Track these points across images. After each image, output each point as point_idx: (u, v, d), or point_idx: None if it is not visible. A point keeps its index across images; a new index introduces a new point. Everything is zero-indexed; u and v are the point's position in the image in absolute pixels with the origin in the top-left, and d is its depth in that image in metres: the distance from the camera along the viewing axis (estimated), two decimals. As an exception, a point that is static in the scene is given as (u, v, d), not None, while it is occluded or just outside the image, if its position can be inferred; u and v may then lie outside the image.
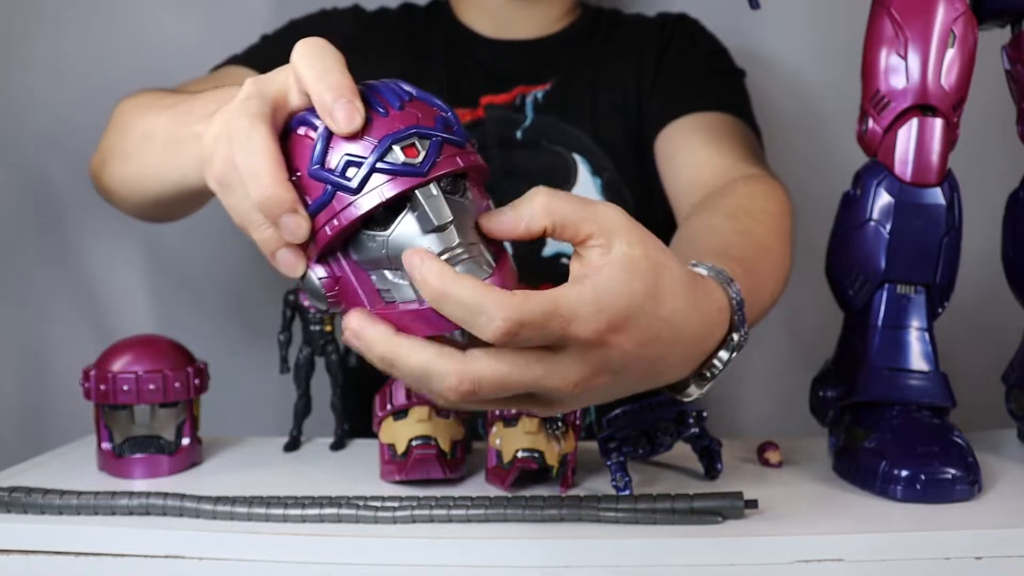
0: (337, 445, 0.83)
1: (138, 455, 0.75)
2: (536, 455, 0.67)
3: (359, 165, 0.47)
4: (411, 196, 0.48)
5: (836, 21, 0.99)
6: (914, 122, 0.73)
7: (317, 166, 0.48)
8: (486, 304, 0.45)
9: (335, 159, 0.48)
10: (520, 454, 0.67)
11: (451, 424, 0.71)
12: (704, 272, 0.57)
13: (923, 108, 0.72)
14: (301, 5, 1.10)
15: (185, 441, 0.77)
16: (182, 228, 1.02)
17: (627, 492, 0.65)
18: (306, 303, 0.82)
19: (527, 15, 1.09)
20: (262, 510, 0.63)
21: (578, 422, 0.70)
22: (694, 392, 0.57)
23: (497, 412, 0.70)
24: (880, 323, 0.74)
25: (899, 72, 0.72)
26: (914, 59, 0.72)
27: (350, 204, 0.48)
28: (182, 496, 0.65)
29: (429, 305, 0.47)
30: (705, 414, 0.70)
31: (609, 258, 0.48)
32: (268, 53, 1.03)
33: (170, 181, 0.68)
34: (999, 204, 0.80)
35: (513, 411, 0.68)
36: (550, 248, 1.02)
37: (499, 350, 0.47)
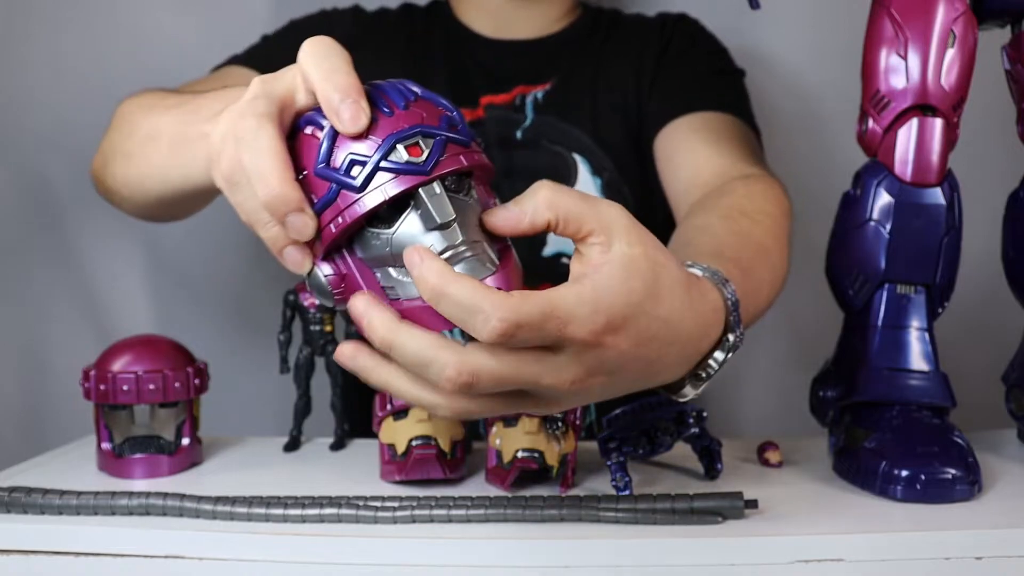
0: (337, 445, 0.83)
1: (138, 455, 0.75)
2: (536, 455, 0.67)
3: (363, 164, 0.48)
4: (415, 194, 0.48)
5: (836, 21, 0.99)
6: (914, 122, 0.73)
7: (323, 165, 0.49)
8: (483, 305, 0.45)
9: (340, 158, 0.49)
10: (520, 454, 0.67)
11: (451, 424, 0.71)
12: (699, 273, 0.57)
13: (923, 108, 0.72)
14: (301, 5, 1.10)
15: (185, 441, 0.77)
16: (182, 228, 1.02)
17: (627, 492, 0.65)
18: (306, 303, 0.82)
19: (527, 15, 1.09)
20: (262, 510, 0.63)
21: (578, 422, 0.70)
22: (689, 392, 0.57)
23: (497, 413, 0.70)
24: (880, 323, 0.74)
25: (899, 72, 0.72)
26: (914, 59, 0.72)
27: (354, 202, 0.48)
28: (182, 496, 0.65)
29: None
30: (705, 414, 0.70)
31: (608, 256, 0.49)
32: (268, 53, 1.03)
33: (174, 180, 0.69)
34: (999, 204, 0.80)
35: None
36: (550, 248, 1.02)
37: (499, 347, 0.47)
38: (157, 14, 1.23)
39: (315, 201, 0.49)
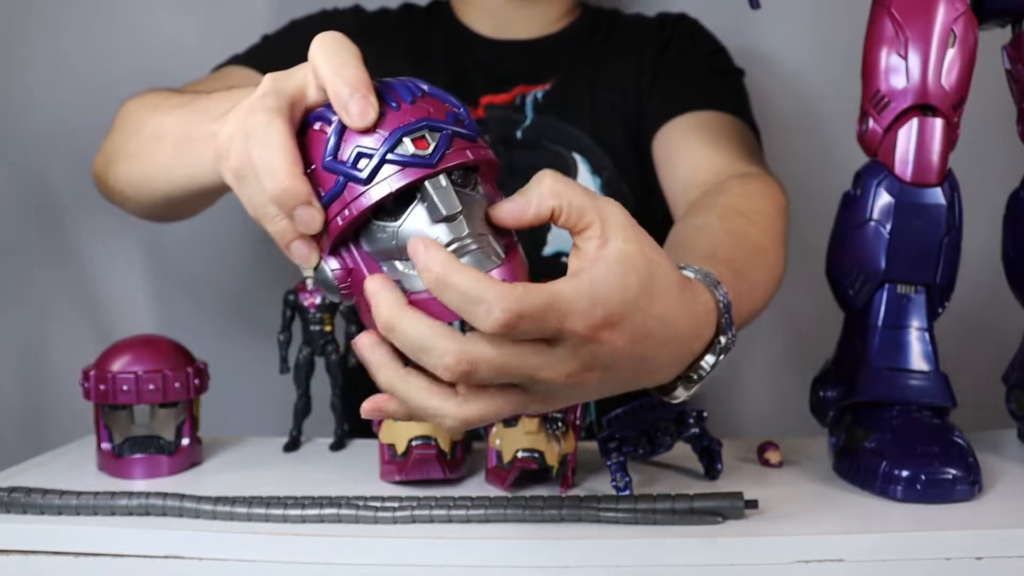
0: (337, 445, 0.83)
1: (138, 455, 0.75)
2: (536, 455, 0.67)
3: (370, 156, 0.49)
4: (421, 187, 0.49)
5: (836, 21, 0.99)
6: (914, 122, 0.73)
7: (330, 158, 0.49)
8: (487, 295, 0.45)
9: (348, 151, 0.49)
10: (520, 454, 0.67)
11: (451, 424, 0.71)
12: (691, 275, 0.57)
13: (923, 108, 0.72)
14: (302, 5, 1.10)
15: (185, 441, 0.77)
16: (182, 228, 1.02)
17: (627, 492, 0.65)
18: (306, 303, 0.82)
19: (527, 15, 1.09)
20: (262, 510, 0.63)
21: (578, 422, 0.70)
22: (681, 394, 0.58)
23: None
24: (880, 323, 0.74)
25: (899, 72, 0.72)
26: (914, 59, 0.72)
27: (361, 194, 0.49)
28: (182, 496, 0.64)
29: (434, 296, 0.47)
30: (705, 414, 0.70)
31: (605, 252, 0.49)
32: (269, 53, 1.03)
33: (179, 179, 0.69)
34: (999, 204, 0.80)
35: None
36: (550, 247, 1.02)
37: (499, 337, 0.47)
38: (157, 14, 1.23)
39: (322, 195, 0.50)
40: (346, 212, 0.49)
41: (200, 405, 0.79)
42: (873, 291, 0.74)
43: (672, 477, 0.73)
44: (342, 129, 0.49)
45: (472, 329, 0.47)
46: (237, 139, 0.51)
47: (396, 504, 0.64)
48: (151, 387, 0.74)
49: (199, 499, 0.64)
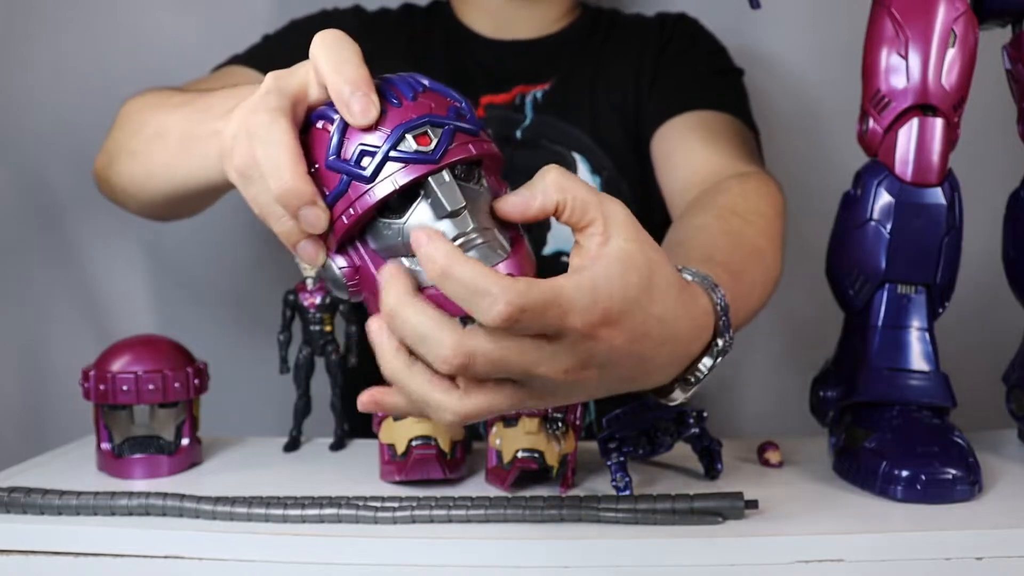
0: (337, 445, 0.83)
1: (138, 455, 0.75)
2: (536, 455, 0.67)
3: (373, 154, 0.49)
4: (424, 183, 0.49)
5: (836, 21, 0.99)
6: (915, 122, 0.72)
7: (333, 157, 0.49)
8: (492, 288, 0.45)
9: (351, 150, 0.49)
10: (520, 454, 0.67)
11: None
12: (689, 278, 0.57)
13: (924, 108, 0.72)
14: (302, 5, 1.10)
15: (185, 441, 0.77)
16: (182, 228, 1.02)
17: (627, 492, 0.65)
18: (306, 303, 0.82)
19: (527, 15, 1.09)
20: (262, 510, 0.63)
21: (578, 422, 0.70)
22: (679, 397, 0.58)
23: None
24: (880, 323, 0.74)
25: (900, 72, 0.72)
26: (915, 59, 0.72)
27: (365, 193, 0.49)
28: (182, 496, 0.64)
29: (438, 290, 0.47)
30: (705, 414, 0.70)
31: (606, 250, 0.49)
32: (270, 53, 1.03)
33: (182, 178, 0.69)
34: (1000, 204, 0.80)
35: (513, 411, 0.68)
36: (550, 247, 1.02)
37: (498, 331, 0.47)
38: (157, 14, 1.23)
39: (327, 194, 0.50)
40: (351, 211, 0.49)
41: (200, 405, 0.79)
42: (873, 291, 0.74)
43: (672, 477, 0.73)
44: (344, 127, 0.50)
45: (473, 323, 0.47)
46: (241, 138, 0.51)
47: (396, 504, 0.63)
48: (151, 387, 0.74)
49: (199, 499, 0.64)
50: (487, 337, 0.47)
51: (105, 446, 0.75)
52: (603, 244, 0.49)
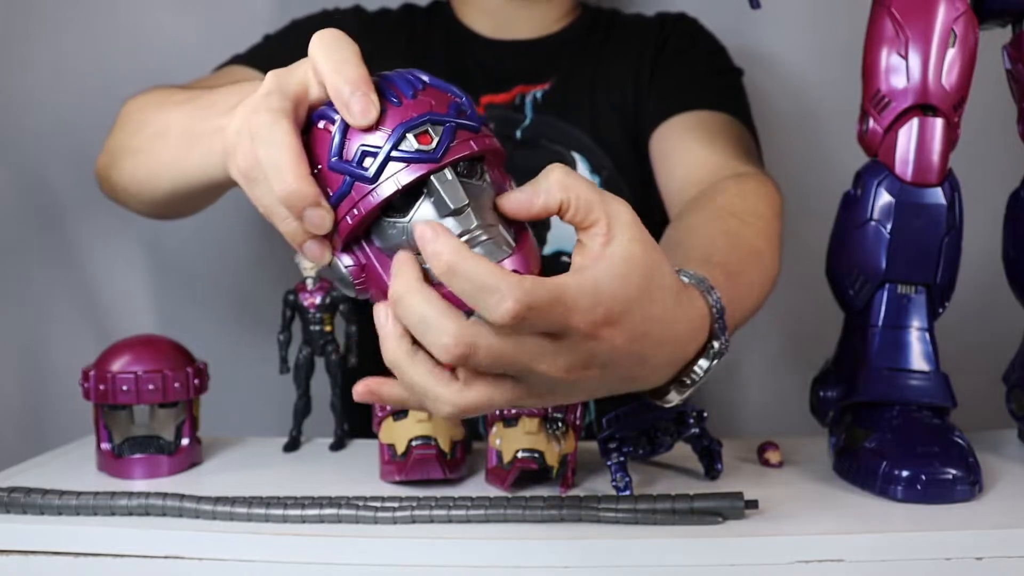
0: (337, 445, 0.83)
1: (138, 455, 0.75)
2: (536, 455, 0.67)
3: (375, 155, 0.49)
4: (427, 182, 0.49)
5: (836, 21, 0.99)
6: (915, 122, 0.72)
7: (335, 158, 0.50)
8: (500, 285, 0.45)
9: (352, 150, 0.49)
10: (520, 454, 0.67)
11: (451, 424, 0.71)
12: (686, 280, 0.57)
13: (924, 108, 0.72)
14: (302, 5, 1.10)
15: (185, 441, 0.77)
16: (183, 228, 1.02)
17: (627, 492, 0.65)
18: (306, 303, 0.82)
19: (527, 15, 1.09)
20: (262, 510, 0.63)
21: (578, 422, 0.70)
22: (674, 398, 0.58)
23: (496, 411, 0.70)
24: (880, 323, 0.74)
25: (900, 72, 0.72)
26: (915, 59, 0.72)
27: (368, 193, 0.49)
28: (182, 496, 0.64)
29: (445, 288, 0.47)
30: (705, 414, 0.70)
31: (609, 250, 0.49)
32: (271, 53, 1.03)
33: (185, 175, 0.69)
34: (1000, 204, 0.80)
35: (513, 411, 0.68)
36: (550, 246, 1.02)
37: (501, 326, 0.47)
38: (157, 14, 1.23)
39: (331, 194, 0.50)
40: (355, 211, 0.49)
41: (200, 405, 0.79)
42: (873, 291, 0.74)
43: (672, 477, 0.73)
44: (345, 127, 0.50)
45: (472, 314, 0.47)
46: (243, 138, 0.51)
47: (396, 504, 0.63)
48: (151, 387, 0.74)
49: (199, 499, 0.64)
50: (489, 330, 0.46)
51: (105, 446, 0.75)
52: (606, 244, 0.49)
